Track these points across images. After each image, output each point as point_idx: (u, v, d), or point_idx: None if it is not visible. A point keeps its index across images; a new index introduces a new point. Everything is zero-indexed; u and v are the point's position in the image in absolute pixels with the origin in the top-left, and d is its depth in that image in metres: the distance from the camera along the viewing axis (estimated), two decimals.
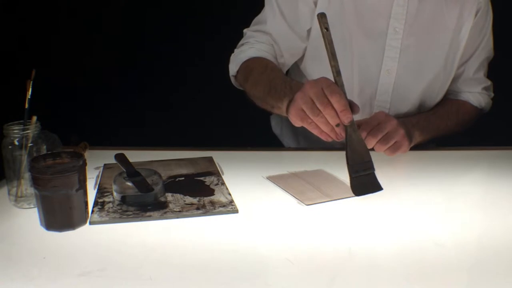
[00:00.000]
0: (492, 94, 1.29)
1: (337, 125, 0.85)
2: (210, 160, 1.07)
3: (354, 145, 0.86)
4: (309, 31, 1.17)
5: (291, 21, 1.17)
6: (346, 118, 0.84)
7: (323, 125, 0.86)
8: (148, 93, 1.75)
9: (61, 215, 0.76)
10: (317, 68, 1.17)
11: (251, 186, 0.95)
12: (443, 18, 1.14)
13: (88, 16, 1.71)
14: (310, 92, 0.86)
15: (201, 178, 0.97)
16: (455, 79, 1.23)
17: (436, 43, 1.15)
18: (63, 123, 1.08)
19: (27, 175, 0.83)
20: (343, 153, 1.20)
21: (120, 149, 0.97)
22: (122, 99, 1.72)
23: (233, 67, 1.19)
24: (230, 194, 0.89)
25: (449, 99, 1.25)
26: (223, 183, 0.95)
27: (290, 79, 1.07)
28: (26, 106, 0.86)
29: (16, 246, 0.74)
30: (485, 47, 1.22)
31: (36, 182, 0.75)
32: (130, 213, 0.82)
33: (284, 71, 1.22)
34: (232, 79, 1.23)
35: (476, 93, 1.25)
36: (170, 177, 0.98)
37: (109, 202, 0.86)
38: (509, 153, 1.15)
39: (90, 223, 0.79)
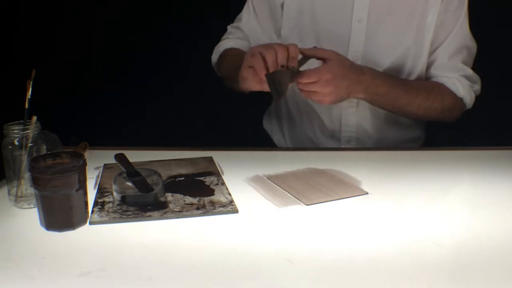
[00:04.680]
0: (477, 88, 1.25)
1: (282, 66, 0.96)
2: (210, 160, 1.07)
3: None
4: (279, 29, 1.27)
5: (262, 20, 1.31)
6: (291, 51, 0.96)
7: (272, 61, 0.95)
8: (148, 93, 1.75)
9: (61, 215, 0.76)
10: None
11: (251, 186, 0.95)
12: (409, 2, 1.17)
13: (88, 16, 1.71)
14: (253, 48, 1.01)
15: (201, 178, 0.97)
16: (431, 65, 1.23)
17: (402, 26, 1.18)
18: (63, 123, 1.08)
19: (27, 175, 0.83)
20: (344, 153, 1.21)
21: (120, 149, 0.97)
22: (122, 99, 1.72)
23: (215, 57, 1.34)
24: (230, 194, 0.89)
25: (423, 79, 1.25)
26: (223, 183, 0.95)
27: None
28: (26, 106, 0.86)
29: (16, 246, 0.74)
30: (459, 33, 1.21)
31: (36, 182, 0.75)
32: (130, 213, 0.82)
33: None
34: (215, 68, 1.37)
35: (454, 78, 1.21)
36: (170, 177, 0.98)
37: (109, 202, 0.86)
38: (509, 153, 1.15)
39: (90, 223, 0.79)
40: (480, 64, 1.29)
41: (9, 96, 1.07)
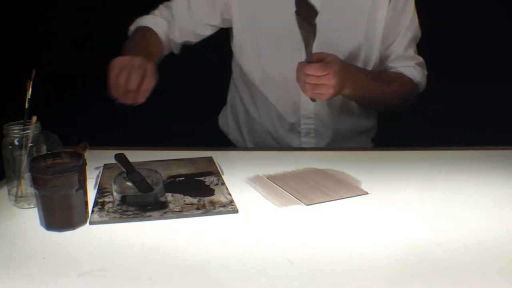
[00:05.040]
0: (426, 72, 1.33)
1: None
2: (210, 160, 1.07)
3: None
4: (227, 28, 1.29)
5: (194, 8, 1.28)
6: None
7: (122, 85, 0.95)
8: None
9: (61, 215, 0.76)
10: (245, 63, 1.29)
11: (251, 186, 0.95)
12: (357, 1, 1.22)
13: (89, 15, 1.71)
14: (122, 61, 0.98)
15: (201, 178, 0.97)
16: (387, 58, 1.29)
17: (353, 23, 1.22)
18: (63, 123, 1.08)
19: (27, 175, 0.83)
20: (344, 153, 1.21)
21: (120, 149, 0.97)
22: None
23: (132, 27, 1.29)
24: (230, 194, 0.89)
25: (387, 70, 1.31)
26: (223, 183, 0.95)
27: (141, 50, 1.12)
28: (26, 106, 0.86)
29: (16, 246, 0.74)
30: (411, 28, 1.28)
31: (36, 182, 0.75)
32: (130, 213, 0.82)
33: (173, 48, 1.32)
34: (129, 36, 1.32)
35: (411, 67, 1.29)
36: (170, 177, 0.98)
37: (109, 202, 0.86)
38: (509, 153, 1.15)
39: (90, 223, 0.79)
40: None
41: (9, 96, 1.07)
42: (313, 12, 1.00)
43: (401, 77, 1.28)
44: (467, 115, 1.70)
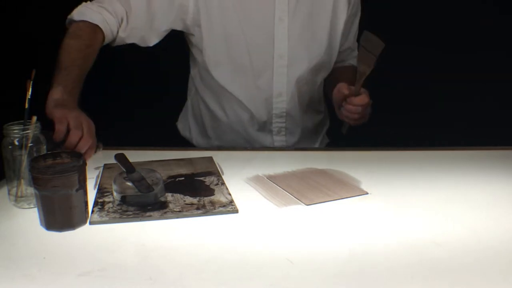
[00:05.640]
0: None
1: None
2: (210, 160, 1.07)
3: None
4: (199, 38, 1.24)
5: (154, 13, 1.19)
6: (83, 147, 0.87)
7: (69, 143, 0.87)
8: (148, 93, 1.75)
9: (61, 215, 0.76)
10: (220, 72, 1.26)
11: (251, 186, 0.95)
12: (322, 1, 1.26)
13: None
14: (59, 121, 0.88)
15: (201, 178, 0.97)
16: (341, 52, 1.36)
17: (319, 25, 1.27)
18: None
19: (27, 175, 0.83)
20: (344, 153, 1.21)
21: (120, 149, 0.97)
22: (122, 99, 1.72)
23: (75, 17, 1.14)
24: (230, 194, 0.89)
25: (344, 66, 1.40)
26: (223, 183, 0.95)
27: (61, 75, 1.01)
28: (26, 106, 0.86)
29: (16, 246, 0.74)
30: (356, 24, 1.37)
31: (36, 182, 0.75)
32: (130, 213, 0.82)
33: (118, 43, 1.20)
34: (67, 21, 1.17)
35: (354, 58, 1.40)
36: (170, 177, 0.98)
37: (109, 202, 0.86)
38: (509, 153, 1.15)
39: (90, 223, 0.79)
40: None
41: (9, 96, 1.07)
42: (380, 45, 1.04)
43: (352, 70, 1.36)
44: (467, 115, 1.70)
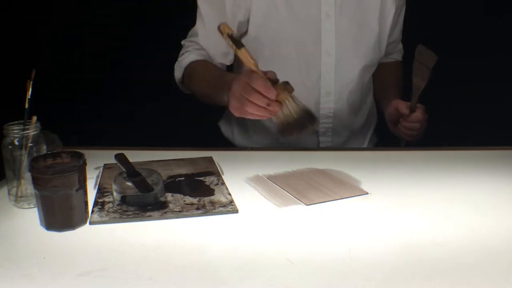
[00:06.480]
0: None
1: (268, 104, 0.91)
2: (210, 160, 1.07)
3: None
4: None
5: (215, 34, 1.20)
6: (270, 95, 0.89)
7: (256, 109, 0.91)
8: (148, 93, 1.75)
9: (61, 215, 0.76)
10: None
11: (251, 186, 0.95)
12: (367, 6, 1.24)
13: (89, 15, 1.71)
14: (236, 90, 0.94)
15: (201, 178, 0.97)
16: (387, 46, 1.33)
17: (367, 20, 1.24)
18: (63, 123, 1.08)
19: (27, 175, 0.83)
20: (343, 153, 1.21)
21: (120, 149, 0.97)
22: (122, 99, 1.72)
23: (178, 73, 1.27)
24: (230, 194, 0.89)
25: (390, 64, 1.41)
26: (223, 183, 0.95)
27: (226, 74, 1.17)
28: (26, 106, 0.86)
29: (16, 246, 0.74)
30: (403, 13, 1.35)
31: (36, 182, 0.75)
32: (130, 213, 0.82)
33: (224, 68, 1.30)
34: (180, 86, 1.30)
35: (399, 51, 1.43)
36: (170, 177, 0.98)
37: (109, 202, 0.86)
38: (509, 153, 1.15)
39: (90, 223, 0.79)
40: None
41: (9, 96, 1.07)
42: (433, 58, 1.04)
43: (398, 66, 1.40)
44: (467, 115, 1.70)
